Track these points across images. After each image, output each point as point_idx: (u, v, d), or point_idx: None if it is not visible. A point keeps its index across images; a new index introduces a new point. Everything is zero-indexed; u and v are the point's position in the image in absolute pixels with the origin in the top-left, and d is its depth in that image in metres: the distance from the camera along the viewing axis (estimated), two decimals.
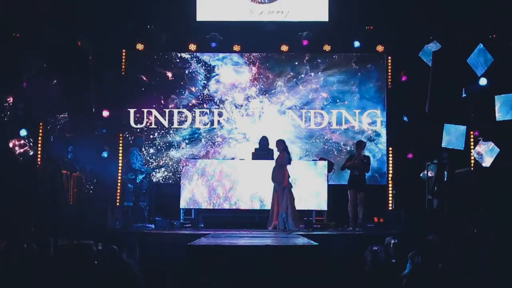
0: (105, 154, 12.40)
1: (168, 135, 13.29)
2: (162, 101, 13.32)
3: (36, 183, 10.88)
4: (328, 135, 13.25)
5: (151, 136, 13.28)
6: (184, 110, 13.31)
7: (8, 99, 11.41)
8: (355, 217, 11.22)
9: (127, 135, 13.16)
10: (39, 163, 11.60)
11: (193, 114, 13.30)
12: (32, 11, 11.61)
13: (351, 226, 11.16)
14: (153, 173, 12.99)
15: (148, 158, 13.15)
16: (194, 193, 11.82)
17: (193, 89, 13.38)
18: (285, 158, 10.96)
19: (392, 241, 7.54)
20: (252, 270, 6.23)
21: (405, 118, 12.67)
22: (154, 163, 13.16)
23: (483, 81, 11.38)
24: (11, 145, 11.31)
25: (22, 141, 11.40)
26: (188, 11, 12.64)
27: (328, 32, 12.89)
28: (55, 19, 11.91)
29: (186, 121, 13.30)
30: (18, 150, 11.28)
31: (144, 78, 13.34)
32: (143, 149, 12.69)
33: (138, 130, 13.19)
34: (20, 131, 11.45)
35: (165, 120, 13.29)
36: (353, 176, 11.42)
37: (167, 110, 13.30)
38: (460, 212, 10.59)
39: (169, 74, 13.38)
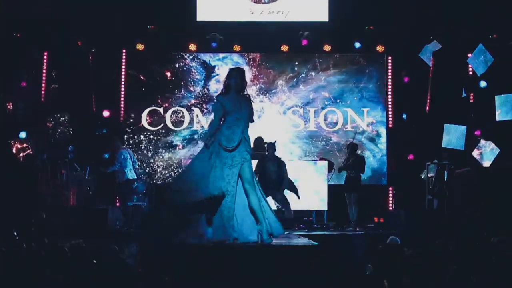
0: (106, 155, 12.41)
1: (168, 135, 13.29)
2: (162, 101, 13.31)
3: (36, 183, 10.88)
4: (328, 135, 13.24)
5: (151, 136, 13.27)
6: (184, 110, 13.30)
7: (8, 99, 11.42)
8: (352, 217, 11.27)
9: (129, 135, 13.20)
10: (39, 163, 11.60)
11: (193, 114, 13.29)
12: (32, 11, 11.62)
13: (351, 226, 11.19)
14: (153, 173, 13.05)
15: (148, 158, 13.16)
16: None
17: (193, 89, 13.37)
18: None
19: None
20: (252, 270, 6.23)
21: (404, 116, 12.68)
22: (155, 164, 13.15)
23: (483, 83, 11.40)
24: (11, 145, 11.33)
25: (22, 142, 11.42)
26: (188, 11, 12.63)
27: (328, 32, 12.88)
28: (55, 19, 11.93)
29: (186, 121, 13.29)
30: (18, 150, 11.30)
31: (144, 78, 13.33)
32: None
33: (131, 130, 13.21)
34: (19, 133, 11.45)
35: (165, 120, 13.28)
36: (348, 177, 11.44)
37: (167, 110, 13.29)
38: (460, 212, 10.59)
39: (169, 74, 13.37)
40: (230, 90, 6.90)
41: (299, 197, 11.18)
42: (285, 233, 7.72)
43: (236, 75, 6.94)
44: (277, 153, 11.06)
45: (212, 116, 7.32)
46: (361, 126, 13.19)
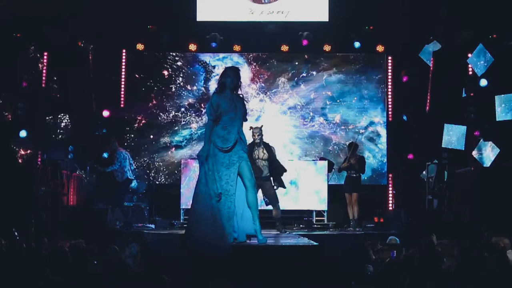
0: (105, 155, 12.40)
1: (167, 135, 13.29)
2: (162, 101, 13.31)
3: (36, 183, 10.88)
4: (328, 135, 13.24)
5: (151, 136, 13.27)
6: (184, 110, 13.30)
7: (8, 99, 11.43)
8: (353, 217, 11.27)
9: (130, 135, 13.21)
10: (39, 163, 11.61)
11: (193, 114, 13.29)
12: (32, 11, 11.61)
13: (351, 226, 11.18)
14: (152, 173, 13.06)
15: (148, 158, 13.16)
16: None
17: (193, 89, 13.37)
18: None
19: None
20: (252, 270, 6.23)
21: (405, 118, 12.69)
22: (155, 163, 13.16)
23: (483, 82, 11.40)
24: (11, 145, 11.33)
25: (22, 142, 11.41)
26: (188, 11, 12.62)
27: (328, 32, 12.88)
28: (55, 19, 11.93)
29: (186, 121, 13.29)
30: (18, 150, 11.29)
31: (144, 78, 13.33)
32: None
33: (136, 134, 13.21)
34: (19, 132, 11.45)
35: (165, 120, 13.28)
36: (348, 177, 11.42)
37: (166, 110, 13.29)
38: (460, 212, 10.59)
39: (169, 74, 13.37)
40: (225, 89, 6.78)
41: (284, 187, 10.16)
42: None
43: (231, 73, 6.83)
44: (274, 147, 10.22)
45: (206, 119, 7.15)
46: (361, 126, 13.19)
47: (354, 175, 11.32)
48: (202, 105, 13.27)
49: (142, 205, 11.89)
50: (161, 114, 13.29)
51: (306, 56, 13.33)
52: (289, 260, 6.39)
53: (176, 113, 13.30)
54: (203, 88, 13.37)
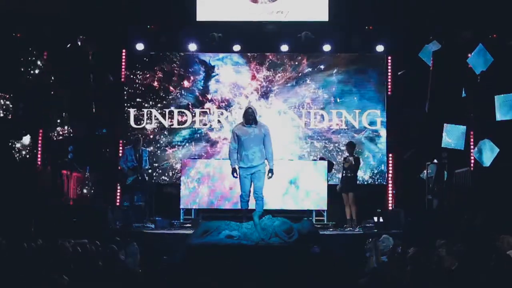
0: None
1: (168, 135, 13.29)
2: (162, 101, 13.31)
3: (36, 183, 10.88)
4: (328, 135, 13.24)
5: (151, 136, 13.27)
6: (184, 110, 13.31)
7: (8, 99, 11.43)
8: (351, 217, 11.29)
9: (128, 134, 13.18)
10: (39, 163, 11.61)
11: (193, 114, 13.30)
12: (32, 10, 11.62)
13: (351, 226, 11.21)
14: (153, 173, 13.06)
15: (148, 158, 13.16)
16: (194, 193, 11.83)
17: (193, 89, 13.37)
18: None
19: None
20: (252, 270, 6.24)
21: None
22: (155, 164, 13.15)
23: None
24: (11, 145, 11.34)
25: (23, 141, 11.43)
26: (188, 11, 12.63)
27: (328, 32, 12.88)
28: (55, 18, 11.94)
29: (186, 121, 13.30)
30: (18, 150, 11.31)
31: (144, 78, 13.33)
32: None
33: (136, 132, 13.19)
34: (23, 137, 11.43)
35: (165, 120, 13.28)
36: (345, 177, 11.45)
37: (167, 110, 13.30)
38: (460, 212, 10.59)
39: (169, 74, 13.37)
40: None
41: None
42: None
43: None
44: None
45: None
46: (361, 126, 13.19)
47: (350, 175, 11.37)
48: (205, 105, 13.27)
49: (142, 205, 11.88)
50: (161, 114, 13.29)
51: (306, 56, 13.32)
52: (289, 260, 6.40)
53: (176, 113, 13.29)
54: (202, 88, 13.37)
